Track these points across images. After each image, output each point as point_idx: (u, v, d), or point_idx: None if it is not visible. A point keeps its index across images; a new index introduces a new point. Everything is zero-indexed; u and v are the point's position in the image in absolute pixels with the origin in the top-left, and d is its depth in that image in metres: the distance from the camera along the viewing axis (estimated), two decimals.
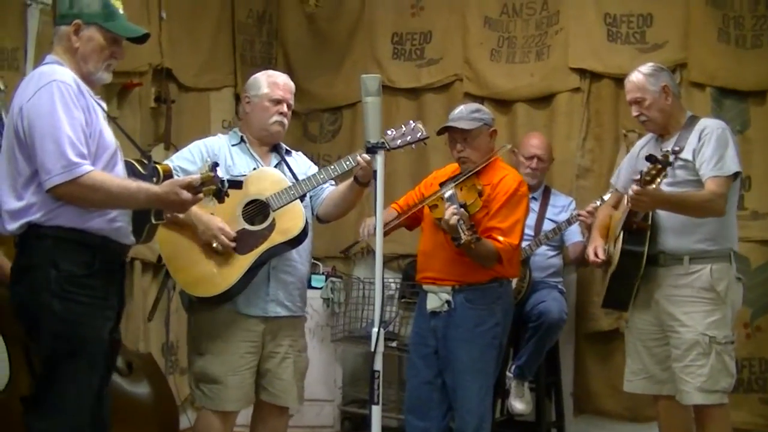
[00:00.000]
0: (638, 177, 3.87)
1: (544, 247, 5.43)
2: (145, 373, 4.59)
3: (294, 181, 4.14)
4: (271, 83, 4.24)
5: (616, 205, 4.63)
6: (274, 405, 4.25)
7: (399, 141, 4.14)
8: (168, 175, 3.51)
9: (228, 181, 3.26)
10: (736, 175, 4.16)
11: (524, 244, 5.29)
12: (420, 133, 4.19)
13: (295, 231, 4.05)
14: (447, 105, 6.28)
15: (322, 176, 4.12)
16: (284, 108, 4.24)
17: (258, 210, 4.03)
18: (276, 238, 4.01)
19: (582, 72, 5.87)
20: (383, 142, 3.47)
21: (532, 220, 5.48)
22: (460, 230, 3.90)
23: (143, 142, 5.70)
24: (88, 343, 3.24)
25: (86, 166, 3.15)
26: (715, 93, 5.54)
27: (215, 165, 3.23)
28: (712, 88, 5.54)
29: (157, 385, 4.58)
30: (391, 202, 4.75)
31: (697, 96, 5.57)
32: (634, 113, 4.40)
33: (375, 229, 3.90)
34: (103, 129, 3.33)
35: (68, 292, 3.18)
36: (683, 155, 4.13)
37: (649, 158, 3.76)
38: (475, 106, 4.55)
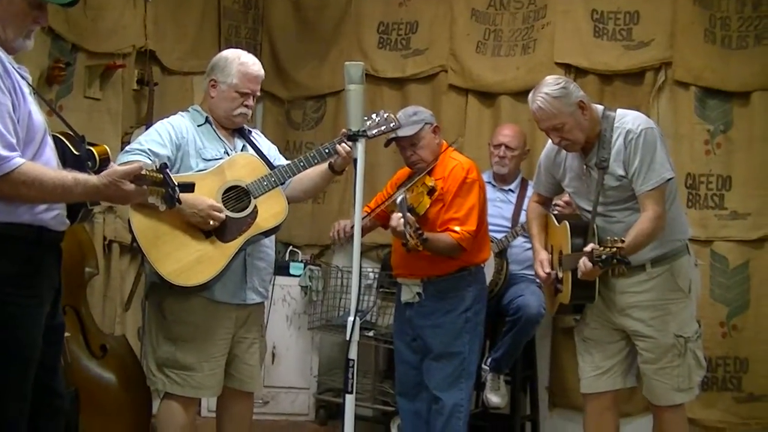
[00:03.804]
0: (589, 251, 3.77)
1: (521, 239, 5.41)
2: (119, 356, 4.57)
3: (263, 162, 4.13)
4: (242, 74, 4.09)
5: (539, 201, 4.52)
6: (239, 391, 4.24)
7: (375, 131, 4.19)
8: (104, 157, 3.24)
9: (180, 185, 3.03)
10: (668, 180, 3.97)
11: (500, 235, 5.33)
12: (393, 123, 4.29)
13: (279, 219, 4.05)
14: (431, 96, 6.29)
15: (302, 164, 4.09)
16: (250, 101, 4.15)
17: (238, 196, 3.99)
18: (259, 226, 3.98)
19: (567, 67, 5.85)
20: (365, 131, 3.45)
21: (509, 211, 5.50)
22: (407, 235, 4.01)
23: (125, 124, 5.67)
24: (24, 349, 2.99)
25: (17, 159, 2.84)
26: (700, 93, 5.55)
27: (164, 166, 3.02)
28: (696, 88, 5.55)
29: (130, 369, 4.56)
30: (374, 193, 4.80)
31: (682, 95, 5.58)
32: (555, 141, 4.08)
33: (345, 234, 4.29)
34: (32, 110, 2.99)
35: (4, 294, 2.93)
36: (615, 170, 3.97)
37: (620, 259, 3.67)
38: (412, 109, 4.57)
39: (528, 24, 6.11)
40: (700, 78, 5.54)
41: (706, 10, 5.54)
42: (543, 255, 4.33)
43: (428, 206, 4.32)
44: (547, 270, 4.26)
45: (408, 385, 4.63)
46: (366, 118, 4.11)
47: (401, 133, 4.40)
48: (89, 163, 3.17)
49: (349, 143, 3.90)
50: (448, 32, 6.32)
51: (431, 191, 4.31)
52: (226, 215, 3.90)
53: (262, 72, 4.20)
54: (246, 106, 4.13)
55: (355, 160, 3.40)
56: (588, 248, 3.83)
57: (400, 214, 4.10)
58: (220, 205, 3.89)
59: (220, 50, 6.01)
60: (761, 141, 5.42)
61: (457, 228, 4.30)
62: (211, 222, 3.84)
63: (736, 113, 5.51)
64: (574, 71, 5.84)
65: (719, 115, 5.53)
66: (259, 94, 4.22)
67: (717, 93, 5.55)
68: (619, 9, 5.80)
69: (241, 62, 4.13)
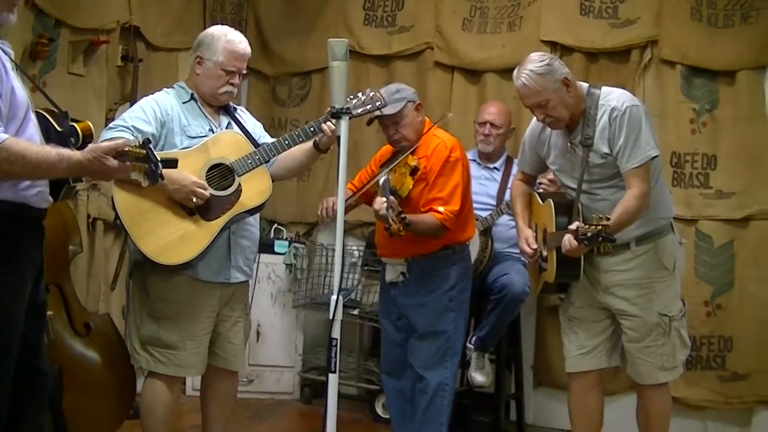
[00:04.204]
0: (575, 229, 3.74)
1: (506, 217, 5.38)
2: (103, 334, 4.55)
3: (248, 140, 4.10)
4: (228, 52, 4.04)
5: (523, 179, 4.50)
6: (224, 369, 4.23)
7: (360, 110, 4.14)
8: (88, 134, 3.27)
9: (163, 161, 3.01)
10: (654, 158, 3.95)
11: (485, 213, 5.32)
12: (379, 102, 4.23)
13: (263, 198, 4.02)
14: (417, 73, 6.27)
15: (287, 142, 4.05)
16: (236, 79, 4.10)
17: (222, 174, 3.96)
18: (243, 204, 3.95)
19: (553, 45, 5.82)
20: (348, 108, 3.44)
21: (494, 189, 5.49)
22: (390, 219, 3.98)
23: (109, 100, 5.63)
24: (5, 325, 2.97)
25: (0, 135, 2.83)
26: (686, 71, 5.54)
27: (147, 142, 2.99)
28: (682, 66, 5.53)
29: (115, 347, 4.54)
30: (358, 170, 4.77)
31: (667, 73, 5.57)
32: (539, 117, 4.06)
33: (333, 212, 4.16)
34: (15, 85, 2.96)
35: None
36: (600, 148, 3.96)
37: (605, 237, 3.64)
38: (395, 87, 4.54)
39: (514, 1, 6.07)
40: (686, 57, 5.52)
41: None
42: (527, 232, 4.32)
43: (411, 187, 4.30)
44: (534, 246, 4.25)
45: (393, 363, 4.63)
46: (352, 96, 4.09)
47: (384, 111, 4.38)
48: (72, 139, 3.18)
49: (333, 121, 3.88)
50: (434, 9, 6.29)
51: (414, 171, 4.29)
52: (210, 193, 3.86)
53: (248, 50, 4.15)
54: (231, 84, 4.09)
55: (339, 138, 3.39)
56: (573, 226, 3.81)
57: (383, 198, 4.08)
58: (204, 182, 3.85)
59: (205, 26, 5.99)
60: (747, 120, 5.41)
61: (440, 208, 4.28)
62: (195, 199, 3.80)
63: (722, 92, 5.49)
64: (560, 49, 5.82)
65: (705, 94, 5.52)
66: (245, 71, 4.19)
67: (703, 72, 5.53)
68: None
69: (228, 40, 4.07)
